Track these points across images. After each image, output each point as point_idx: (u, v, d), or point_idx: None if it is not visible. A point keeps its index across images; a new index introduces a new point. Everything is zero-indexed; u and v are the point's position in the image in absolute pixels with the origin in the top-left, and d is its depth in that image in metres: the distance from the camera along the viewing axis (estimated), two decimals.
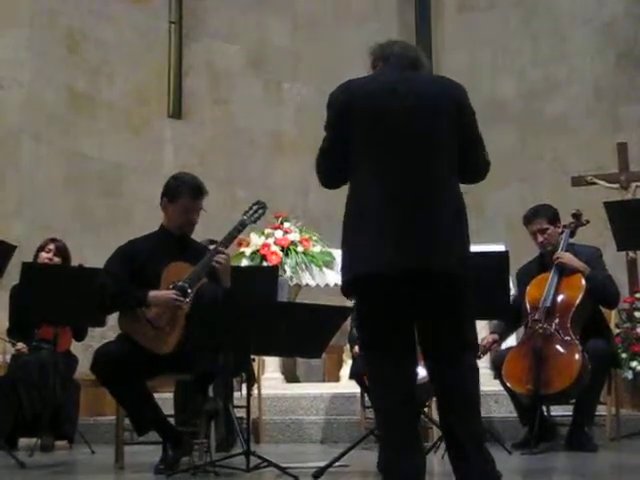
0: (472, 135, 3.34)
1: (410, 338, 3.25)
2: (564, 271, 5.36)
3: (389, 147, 3.22)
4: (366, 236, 3.18)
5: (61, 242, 6.41)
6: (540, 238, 5.51)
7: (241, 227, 4.78)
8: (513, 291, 5.91)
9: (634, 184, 8.40)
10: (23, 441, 6.12)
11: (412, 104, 3.22)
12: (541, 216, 5.53)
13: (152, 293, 4.50)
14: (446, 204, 3.22)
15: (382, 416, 3.25)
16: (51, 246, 6.33)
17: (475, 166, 3.38)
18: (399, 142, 3.21)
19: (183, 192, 4.68)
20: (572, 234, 5.56)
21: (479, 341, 5.30)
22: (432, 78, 3.33)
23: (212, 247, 4.73)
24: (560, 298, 5.30)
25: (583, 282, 5.30)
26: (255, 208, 4.86)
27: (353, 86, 3.33)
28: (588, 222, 5.62)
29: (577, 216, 5.61)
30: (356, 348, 5.89)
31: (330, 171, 3.37)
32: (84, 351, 6.37)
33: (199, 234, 4.96)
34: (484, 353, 5.50)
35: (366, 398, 5.99)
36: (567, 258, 5.37)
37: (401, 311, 3.20)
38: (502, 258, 4.99)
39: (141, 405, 4.55)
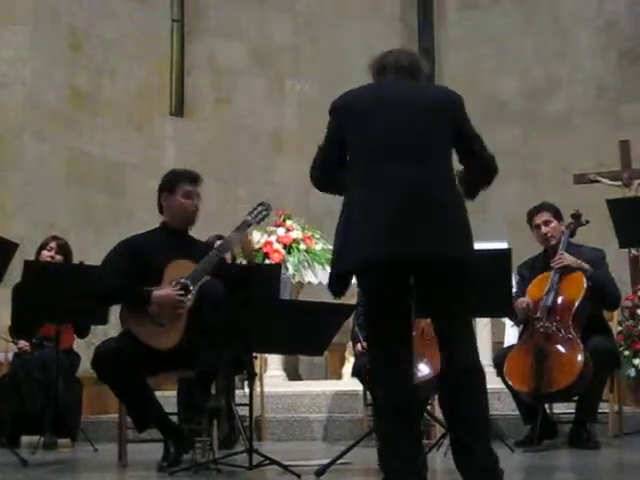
0: (469, 131, 3.38)
1: (408, 333, 3.26)
2: (565, 270, 5.36)
3: (383, 152, 3.26)
4: (361, 229, 3.20)
5: (63, 240, 6.40)
6: (544, 229, 5.50)
7: (244, 227, 4.77)
8: (515, 289, 5.90)
9: (636, 181, 8.40)
10: (26, 439, 6.12)
11: (406, 108, 3.29)
12: (545, 209, 5.56)
13: (155, 292, 4.48)
14: (444, 201, 3.24)
15: (383, 414, 3.25)
16: (53, 244, 6.32)
17: (482, 160, 3.40)
18: (393, 147, 3.25)
19: (180, 179, 4.72)
20: (572, 234, 5.56)
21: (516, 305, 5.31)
22: (427, 86, 3.45)
23: (219, 242, 4.73)
24: (561, 297, 5.30)
25: (584, 280, 5.30)
26: (260, 209, 4.83)
27: (351, 94, 3.44)
28: (588, 222, 5.61)
29: (577, 216, 5.61)
30: (358, 346, 5.89)
31: (323, 172, 3.47)
32: (87, 349, 6.35)
33: (202, 232, 4.95)
34: (520, 321, 5.49)
35: (368, 396, 5.98)
36: (568, 259, 5.37)
37: (399, 300, 3.23)
38: (504, 256, 4.98)
39: (141, 402, 4.54)
